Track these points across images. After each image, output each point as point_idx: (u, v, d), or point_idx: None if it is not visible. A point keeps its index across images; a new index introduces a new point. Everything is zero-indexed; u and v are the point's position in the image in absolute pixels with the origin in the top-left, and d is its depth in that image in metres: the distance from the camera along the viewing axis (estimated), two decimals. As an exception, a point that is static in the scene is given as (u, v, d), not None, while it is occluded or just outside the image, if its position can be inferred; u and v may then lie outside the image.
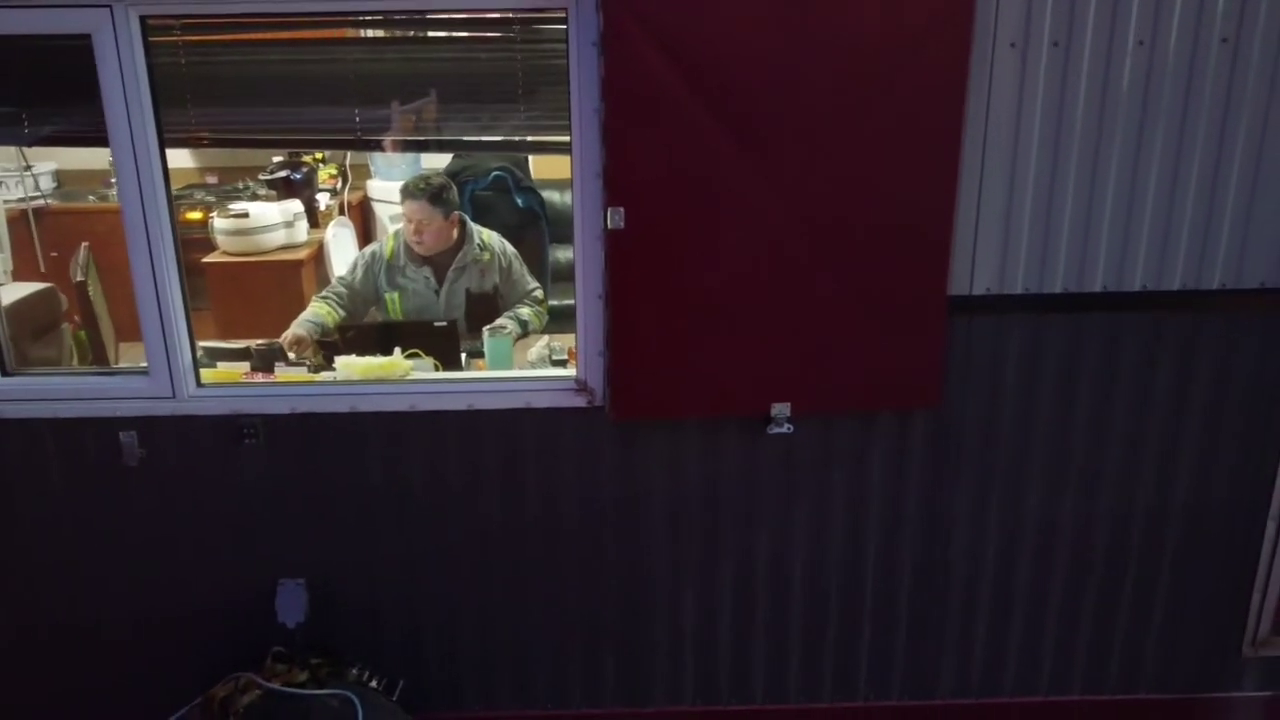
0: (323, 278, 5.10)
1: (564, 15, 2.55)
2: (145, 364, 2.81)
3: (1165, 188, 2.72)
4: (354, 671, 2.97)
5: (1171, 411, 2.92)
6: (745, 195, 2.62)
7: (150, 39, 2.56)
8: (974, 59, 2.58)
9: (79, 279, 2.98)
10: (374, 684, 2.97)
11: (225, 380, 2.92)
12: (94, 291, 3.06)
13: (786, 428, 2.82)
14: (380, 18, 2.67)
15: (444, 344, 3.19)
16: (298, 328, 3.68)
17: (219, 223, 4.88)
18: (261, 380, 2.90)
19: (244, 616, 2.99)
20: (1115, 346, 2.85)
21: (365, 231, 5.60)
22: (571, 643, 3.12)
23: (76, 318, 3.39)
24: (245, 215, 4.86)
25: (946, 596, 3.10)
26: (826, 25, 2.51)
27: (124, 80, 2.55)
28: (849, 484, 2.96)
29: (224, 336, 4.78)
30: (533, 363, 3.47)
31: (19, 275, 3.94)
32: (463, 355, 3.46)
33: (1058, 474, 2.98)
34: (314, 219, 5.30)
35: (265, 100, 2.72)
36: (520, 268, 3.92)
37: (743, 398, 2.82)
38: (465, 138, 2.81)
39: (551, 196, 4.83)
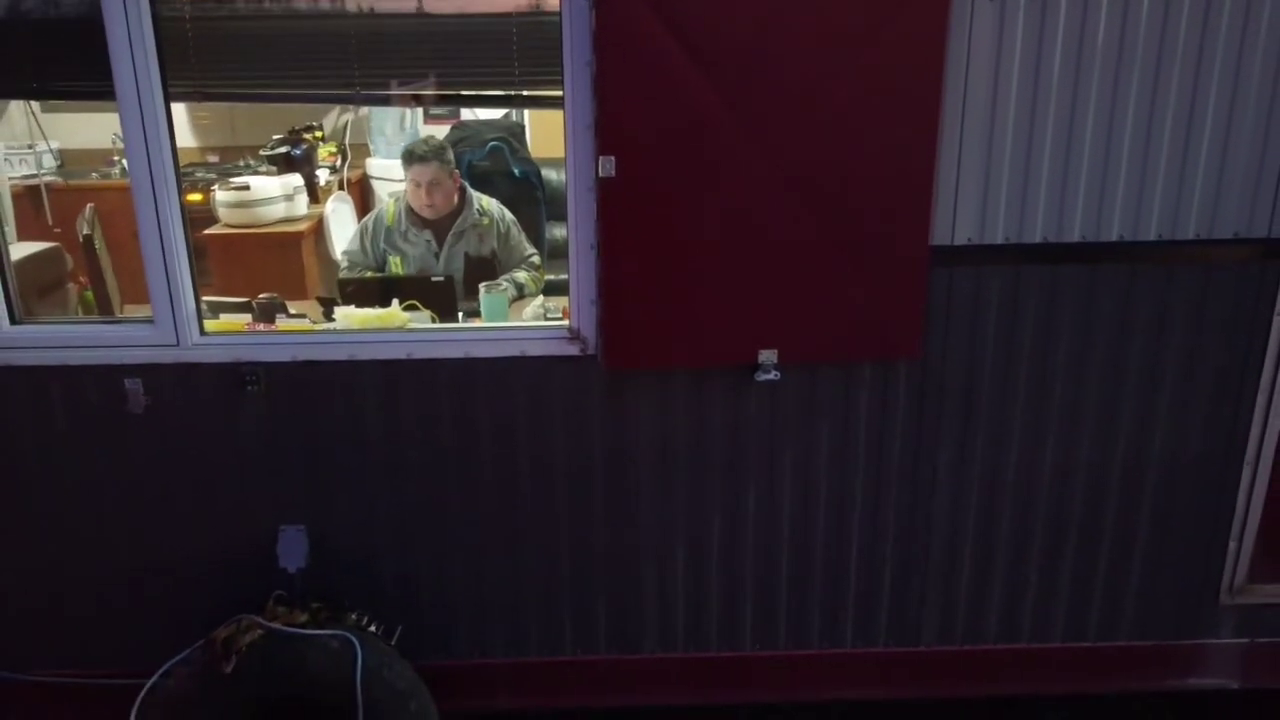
0: (323, 251, 5.18)
1: (557, -26, 2.64)
2: (150, 313, 2.89)
3: (1140, 138, 2.80)
4: (353, 616, 3.04)
5: (1148, 361, 3.00)
6: (732, 147, 2.70)
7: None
8: (953, 12, 2.66)
9: (85, 233, 3.06)
10: (373, 629, 3.05)
11: (228, 330, 3.00)
12: (100, 247, 3.14)
13: (774, 374, 2.89)
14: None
15: (441, 297, 3.27)
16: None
17: (220, 195, 4.96)
18: (264, 329, 2.98)
19: (246, 562, 3.07)
20: (1092, 296, 2.94)
21: (364, 208, 5.68)
22: (563, 591, 3.20)
23: (83, 278, 3.47)
24: (246, 188, 4.95)
25: (930, 545, 3.18)
26: (810, -22, 2.59)
27: (130, 35, 2.63)
28: (833, 433, 3.04)
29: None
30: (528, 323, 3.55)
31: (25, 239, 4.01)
32: (459, 314, 3.55)
33: (1038, 424, 3.05)
34: (314, 195, 5.39)
35: (266, 56, 2.79)
36: (518, 234, 4.00)
37: (731, 346, 2.90)
38: (463, 92, 2.88)
39: (549, 175, 4.91)
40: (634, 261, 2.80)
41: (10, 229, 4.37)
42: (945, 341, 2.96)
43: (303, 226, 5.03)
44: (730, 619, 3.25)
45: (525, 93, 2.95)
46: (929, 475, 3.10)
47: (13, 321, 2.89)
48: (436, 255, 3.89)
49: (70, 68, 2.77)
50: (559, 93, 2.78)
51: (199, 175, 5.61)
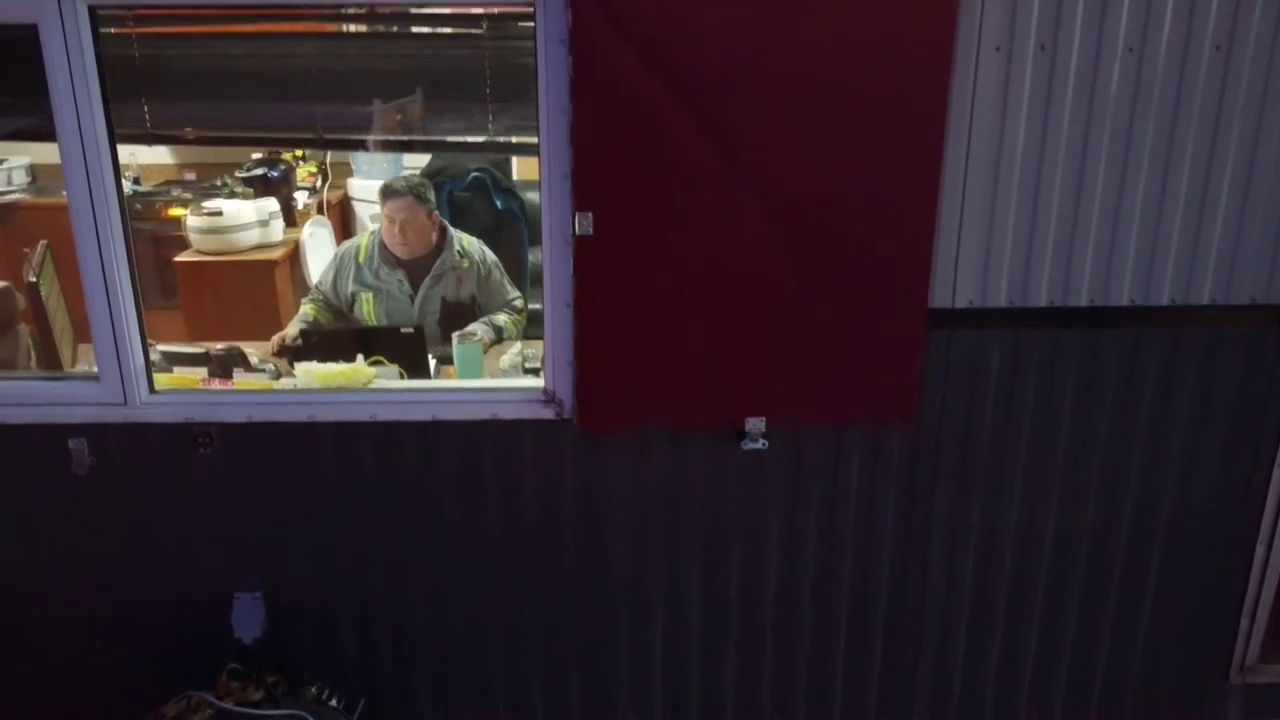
0: (299, 278, 4.99)
1: (531, 12, 2.46)
2: (95, 369, 2.71)
3: (1153, 199, 2.63)
4: (312, 690, 2.87)
5: (1156, 430, 2.83)
6: (718, 201, 2.53)
7: (100, 30, 2.46)
8: (957, 62, 2.49)
9: (30, 279, 2.87)
10: (333, 702, 2.87)
11: (180, 386, 2.81)
12: (48, 291, 2.95)
13: (761, 444, 2.72)
14: (339, 11, 2.57)
15: (410, 351, 3.09)
16: (293, 327, 3.65)
17: (192, 220, 4.78)
18: (218, 387, 2.80)
19: (199, 630, 2.89)
20: (1098, 361, 2.77)
21: (345, 231, 5.50)
22: (533, 657, 3.02)
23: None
24: (219, 214, 4.76)
25: (923, 614, 3.01)
26: (803, 27, 2.41)
27: (72, 74, 2.44)
28: (822, 497, 2.86)
29: (193, 337, 4.69)
30: (505, 370, 3.37)
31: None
32: (433, 362, 3.37)
33: (1036, 491, 2.88)
34: (291, 218, 5.20)
35: (222, 96, 2.61)
36: (500, 276, 3.82)
37: (715, 409, 2.72)
38: (431, 138, 2.71)
39: (532, 198, 4.73)
40: (613, 321, 2.62)
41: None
42: (942, 406, 2.79)
43: (277, 254, 4.84)
44: (711, 686, 3.07)
45: (500, 139, 2.77)
46: (922, 543, 2.93)
47: (-52, 377, 2.72)
48: (411, 297, 3.71)
49: (9, 106, 2.59)
50: (534, 140, 2.61)
51: (174, 194, 5.42)
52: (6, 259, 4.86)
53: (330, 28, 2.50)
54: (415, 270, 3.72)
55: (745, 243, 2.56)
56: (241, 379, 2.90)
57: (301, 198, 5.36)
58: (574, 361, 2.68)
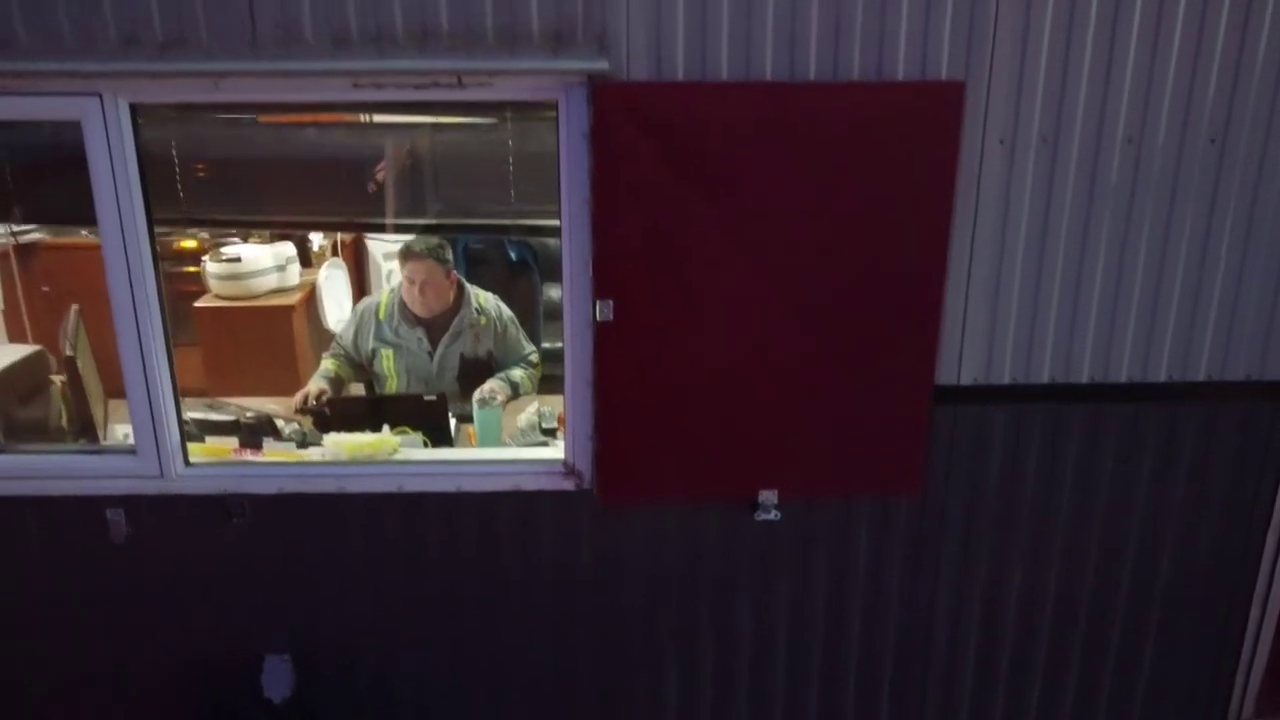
0: (314, 322, 5.09)
1: (555, 106, 2.56)
2: (133, 441, 2.81)
3: (1151, 281, 2.73)
4: (338, 747, 2.98)
5: (1154, 499, 2.93)
6: (735, 286, 2.63)
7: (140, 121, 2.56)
8: (963, 154, 2.59)
9: (69, 354, 2.97)
10: (359, 759, 2.98)
11: (213, 456, 2.91)
12: (83, 361, 3.05)
13: (774, 514, 2.82)
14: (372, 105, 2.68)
15: (433, 418, 3.19)
16: (315, 383, 3.73)
17: (211, 266, 4.87)
18: (250, 458, 2.90)
19: (230, 691, 2.99)
20: (1099, 435, 2.87)
21: (359, 273, 5.59)
22: (551, 717, 3.11)
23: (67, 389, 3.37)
24: (237, 260, 4.85)
25: (926, 682, 3.11)
26: (817, 121, 2.52)
27: (114, 166, 2.55)
28: (832, 566, 2.96)
29: (213, 380, 4.79)
30: (522, 429, 3.47)
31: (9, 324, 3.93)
32: (453, 421, 3.47)
33: (1039, 558, 2.98)
34: (307, 259, 5.30)
35: (256, 184, 2.71)
36: (516, 332, 3.91)
37: (730, 483, 2.83)
38: (456, 220, 2.80)
39: (548, 240, 4.82)
40: (632, 399, 2.73)
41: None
42: (947, 478, 2.89)
43: (294, 298, 4.94)
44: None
45: (523, 222, 2.87)
46: (926, 609, 3.03)
47: (-8, 451, 2.82)
48: (430, 354, 3.81)
49: (56, 196, 2.69)
50: (556, 223, 2.71)
51: (191, 230, 5.52)
52: (29, 298, 4.95)
53: (355, 118, 2.60)
54: (434, 328, 3.82)
55: (759, 325, 2.66)
56: (271, 448, 2.99)
57: (316, 239, 5.45)
58: (594, 436, 2.78)
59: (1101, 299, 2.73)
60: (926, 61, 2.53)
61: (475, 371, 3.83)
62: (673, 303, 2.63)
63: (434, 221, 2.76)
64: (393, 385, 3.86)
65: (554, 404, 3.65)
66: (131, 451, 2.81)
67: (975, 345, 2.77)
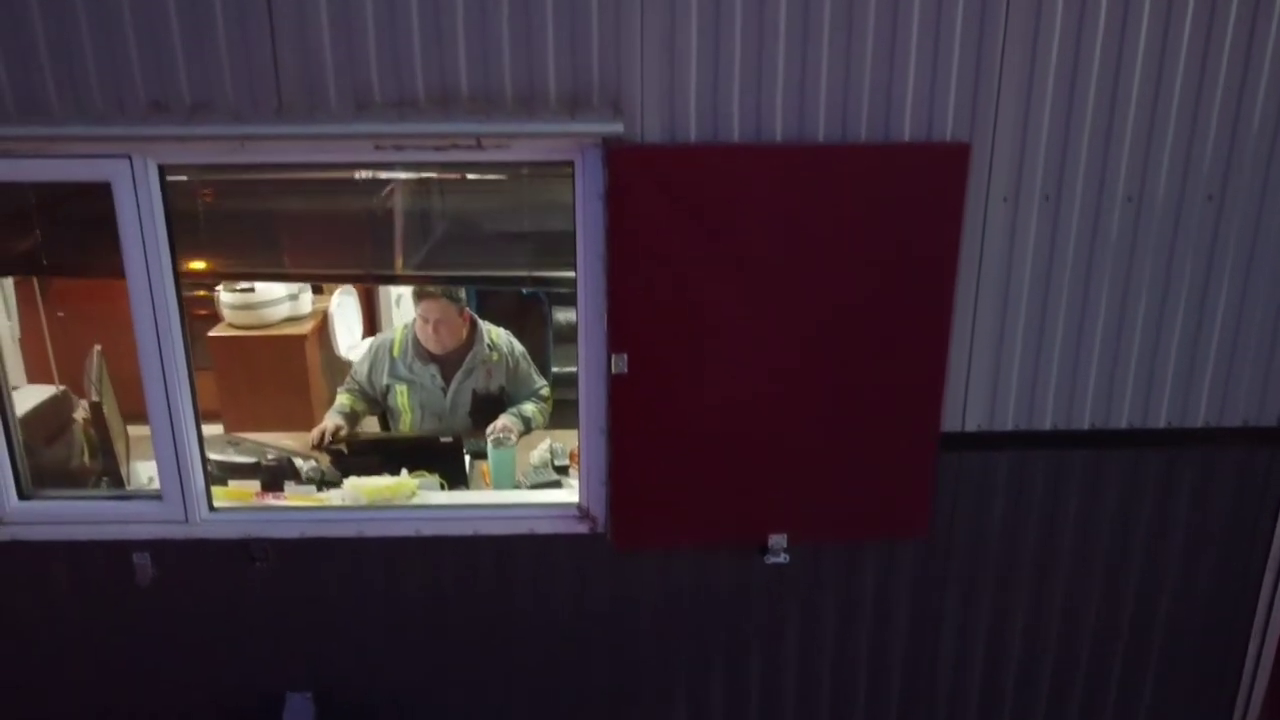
0: (327, 349, 5.17)
1: (571, 166, 2.63)
2: (158, 486, 2.89)
3: (1151, 331, 2.81)
4: (358, 782, 3.05)
5: (1155, 541, 3.01)
6: (746, 338, 2.71)
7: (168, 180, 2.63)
8: (968, 211, 2.66)
9: (94, 399, 3.05)
10: (378, 795, 3.05)
11: (236, 500, 2.99)
12: (108, 407, 3.13)
13: (783, 558, 2.90)
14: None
15: (449, 459, 3.27)
16: (331, 419, 3.79)
17: (225, 297, 4.94)
18: (272, 502, 2.97)
19: (252, 728, 3.08)
20: (1100, 480, 2.94)
21: (369, 300, 5.66)
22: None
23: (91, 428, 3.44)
24: (251, 290, 4.93)
25: (934, 715, 3.18)
26: (826, 181, 2.59)
27: (142, 225, 2.62)
28: (840, 607, 3.04)
29: (229, 410, 4.86)
30: (535, 466, 3.54)
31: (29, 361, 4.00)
32: (467, 458, 3.54)
33: (1041, 598, 3.06)
34: (318, 285, 5.37)
35: (278, 238, 2.79)
36: (527, 366, 3.98)
37: (740, 528, 2.90)
38: (473, 273, 2.88)
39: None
40: (645, 447, 2.80)
41: (14, 322, 4.34)
42: (952, 521, 2.97)
43: (307, 327, 5.01)
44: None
45: (537, 274, 2.94)
46: (932, 646, 3.10)
47: (21, 497, 2.89)
48: (443, 390, 3.88)
49: (83, 248, 2.76)
50: (571, 274, 2.78)
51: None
52: (50, 321, 5.02)
53: (377, 174, 2.67)
54: (447, 364, 3.89)
55: (769, 375, 2.74)
56: (292, 491, 3.07)
57: (328, 266, 5.53)
58: (608, 482, 2.85)
59: (1102, 349, 2.81)
60: (932, 123, 2.60)
61: (488, 406, 3.90)
62: (685, 355, 2.71)
63: (448, 274, 2.83)
64: (407, 420, 3.94)
65: (565, 439, 3.73)
66: (157, 497, 2.89)
67: (979, 393, 2.84)
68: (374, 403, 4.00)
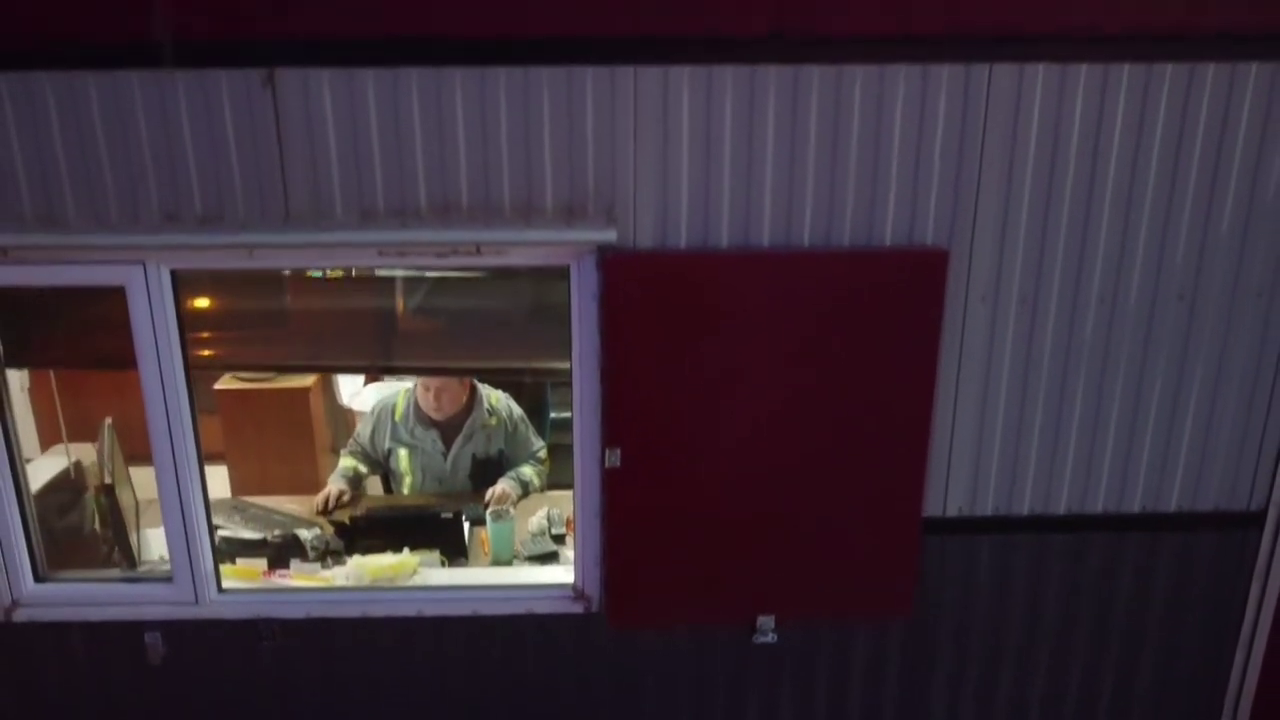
0: (330, 399, 5.29)
1: (568, 270, 2.74)
2: (169, 568, 3.00)
3: (1126, 424, 2.92)
4: None
5: (1132, 623, 3.11)
6: (735, 432, 2.81)
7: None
8: (948, 309, 2.77)
9: (106, 481, 3.16)
10: None
11: (244, 579, 3.10)
12: (120, 485, 3.23)
13: (771, 637, 3.01)
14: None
15: (449, 534, 3.38)
16: (335, 483, 3.89)
17: (230, 349, 5.06)
18: (279, 583, 3.08)
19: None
20: (1079, 562, 3.05)
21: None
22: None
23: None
24: (256, 342, 5.04)
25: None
26: (812, 285, 2.70)
27: (155, 325, 2.73)
28: (828, 685, 3.15)
29: (234, 462, 4.98)
30: (533, 534, 3.64)
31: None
32: (466, 525, 3.64)
33: (1024, 672, 3.17)
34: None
35: (286, 333, 2.90)
36: (525, 429, 4.09)
37: (731, 609, 3.01)
38: (475, 365, 2.99)
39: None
40: (638, 531, 2.91)
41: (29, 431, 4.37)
42: (937, 602, 3.07)
43: (310, 379, 5.12)
44: None
45: (534, 365, 3.06)
46: None
47: (36, 579, 3.00)
48: (444, 455, 3.99)
49: (97, 341, 2.87)
50: (567, 364, 2.89)
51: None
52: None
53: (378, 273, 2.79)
54: (448, 429, 4.00)
55: (758, 465, 2.85)
56: (298, 569, 3.18)
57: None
58: (602, 564, 2.96)
59: (1079, 439, 2.92)
60: (914, 229, 2.71)
61: (487, 469, 4.01)
62: (677, 448, 2.82)
63: (450, 365, 2.94)
64: (408, 483, 4.04)
65: (561, 502, 3.83)
66: (168, 579, 3.00)
67: (960, 480, 2.95)
68: (376, 464, 4.11)
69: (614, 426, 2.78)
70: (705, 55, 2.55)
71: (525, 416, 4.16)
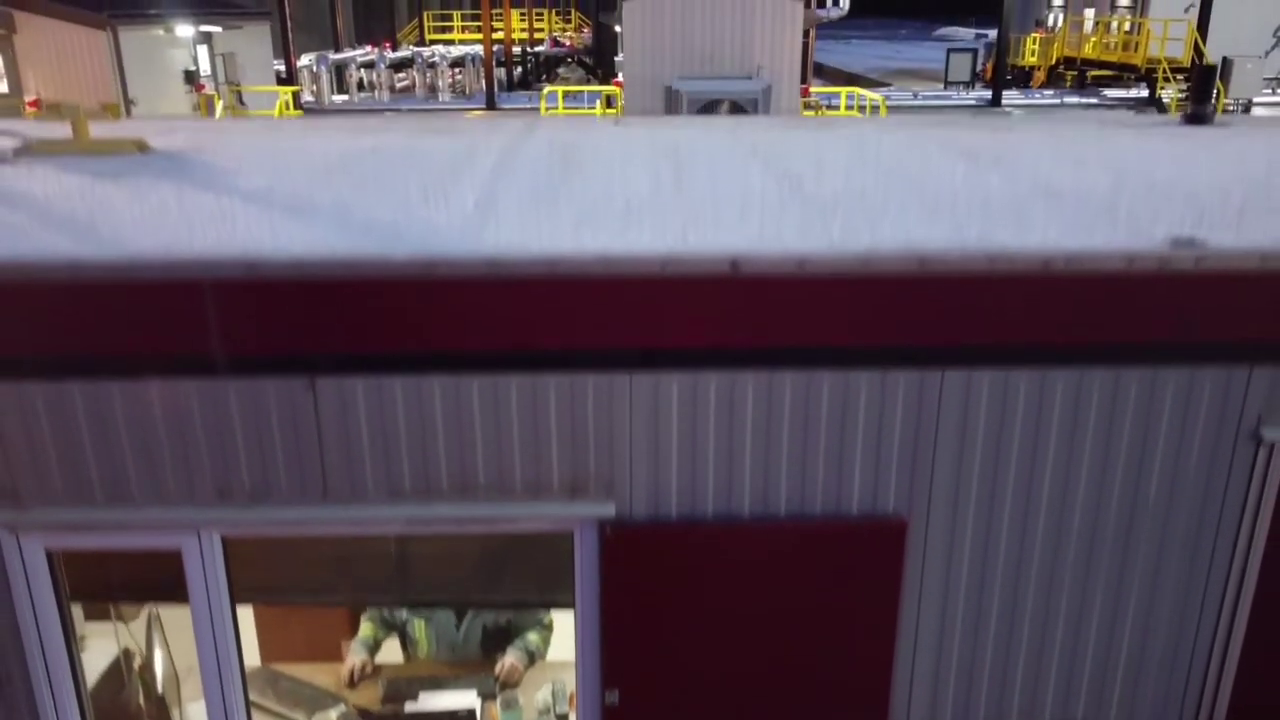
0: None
1: (571, 536, 3.10)
2: None
3: (1068, 648, 3.28)
4: None
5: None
6: (721, 678, 3.18)
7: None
8: (907, 563, 3.13)
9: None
10: None
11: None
12: (162, 664, 3.58)
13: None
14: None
15: (465, 727, 3.76)
16: (358, 654, 4.27)
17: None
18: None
19: None
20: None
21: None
22: None
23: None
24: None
25: None
26: (786, 550, 3.07)
27: (208, 587, 3.10)
28: None
29: (262, 626, 5.29)
30: (539, 710, 4.02)
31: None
32: (479, 702, 4.01)
33: None
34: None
35: (313, 571, 3.27)
36: (531, 600, 4.48)
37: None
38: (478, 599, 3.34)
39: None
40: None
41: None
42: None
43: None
44: None
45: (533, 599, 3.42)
46: None
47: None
48: (456, 627, 4.37)
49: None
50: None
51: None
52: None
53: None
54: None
55: (743, 700, 3.22)
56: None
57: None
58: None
59: (1027, 660, 3.29)
60: (877, 498, 3.08)
61: (495, 637, 4.39)
62: (670, 690, 3.18)
63: (452, 599, 3.32)
64: (423, 649, 4.42)
65: (564, 675, 4.20)
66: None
67: (919, 712, 3.32)
68: (394, 628, 4.48)
69: (613, 670, 3.15)
70: (691, 364, 2.92)
71: (531, 585, 4.53)
